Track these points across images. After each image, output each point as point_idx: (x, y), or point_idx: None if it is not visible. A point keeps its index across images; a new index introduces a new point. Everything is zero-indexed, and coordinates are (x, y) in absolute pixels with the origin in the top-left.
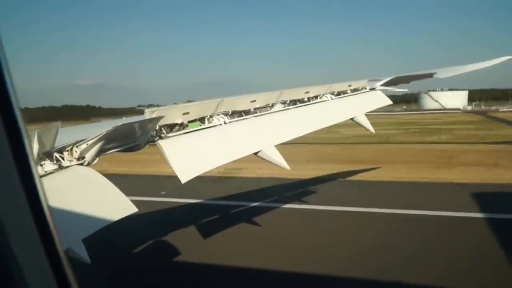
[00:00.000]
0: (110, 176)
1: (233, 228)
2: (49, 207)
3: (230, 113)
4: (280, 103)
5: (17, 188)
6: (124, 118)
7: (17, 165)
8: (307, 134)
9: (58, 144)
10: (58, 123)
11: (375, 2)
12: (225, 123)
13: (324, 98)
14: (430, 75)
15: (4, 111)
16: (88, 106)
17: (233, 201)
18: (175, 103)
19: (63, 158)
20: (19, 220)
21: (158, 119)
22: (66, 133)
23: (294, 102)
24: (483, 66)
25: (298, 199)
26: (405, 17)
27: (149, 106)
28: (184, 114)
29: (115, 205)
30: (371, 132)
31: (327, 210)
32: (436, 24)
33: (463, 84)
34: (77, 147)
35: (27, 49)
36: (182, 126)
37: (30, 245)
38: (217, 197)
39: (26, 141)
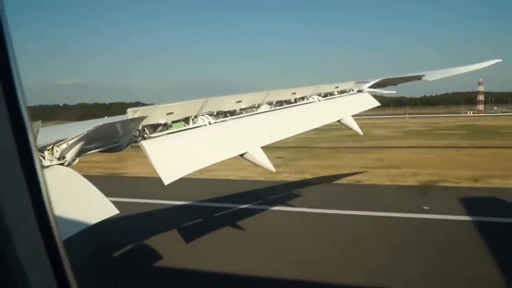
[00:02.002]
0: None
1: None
2: (51, 202)
3: (215, 113)
4: (267, 103)
5: (21, 184)
6: (106, 117)
7: (21, 160)
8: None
9: (39, 143)
10: (39, 122)
11: (365, 3)
12: (210, 123)
13: (311, 100)
14: (419, 78)
15: (11, 107)
16: (138, 103)
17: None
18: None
19: (44, 158)
20: (22, 217)
21: (141, 119)
22: (48, 132)
23: (280, 103)
24: (471, 69)
25: None
26: (395, 19)
27: None
28: (168, 114)
29: (95, 207)
30: (359, 134)
31: None
32: (427, 25)
33: None
34: (58, 146)
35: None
36: (166, 126)
37: (31, 241)
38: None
39: (30, 136)
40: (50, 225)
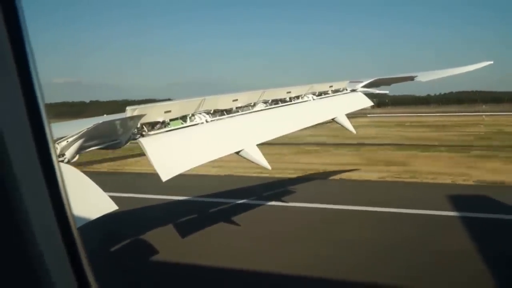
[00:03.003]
0: None
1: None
2: (68, 196)
3: (212, 111)
4: (262, 102)
5: (39, 178)
6: (105, 115)
7: (39, 156)
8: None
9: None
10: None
11: (361, 4)
12: (206, 121)
13: (305, 98)
14: (411, 78)
15: (30, 104)
16: (168, 100)
17: None
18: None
19: None
20: (40, 211)
21: (139, 117)
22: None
23: (276, 101)
24: (463, 71)
25: None
26: (390, 19)
27: None
28: (166, 112)
29: (95, 203)
30: (353, 133)
31: None
32: (421, 27)
33: None
34: (57, 144)
35: None
36: (163, 124)
37: (50, 235)
38: None
39: (48, 133)
40: (67, 219)
